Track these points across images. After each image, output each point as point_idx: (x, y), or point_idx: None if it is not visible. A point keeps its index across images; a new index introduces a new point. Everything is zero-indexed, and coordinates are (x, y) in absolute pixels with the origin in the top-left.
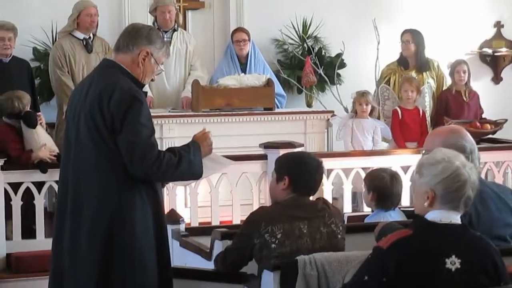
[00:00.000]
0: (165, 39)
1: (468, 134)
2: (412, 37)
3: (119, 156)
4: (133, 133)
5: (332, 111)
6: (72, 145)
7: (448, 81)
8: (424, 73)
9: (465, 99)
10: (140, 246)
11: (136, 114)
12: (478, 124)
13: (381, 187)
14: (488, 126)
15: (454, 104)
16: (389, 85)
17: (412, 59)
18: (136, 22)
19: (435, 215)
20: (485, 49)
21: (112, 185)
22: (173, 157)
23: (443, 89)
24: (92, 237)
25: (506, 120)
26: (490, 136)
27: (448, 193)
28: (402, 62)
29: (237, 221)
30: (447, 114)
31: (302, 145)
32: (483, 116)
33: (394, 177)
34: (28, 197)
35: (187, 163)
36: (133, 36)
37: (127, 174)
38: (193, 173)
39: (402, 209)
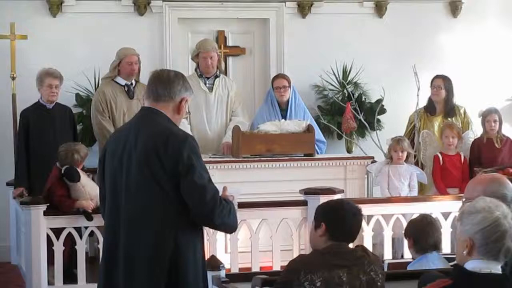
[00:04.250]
0: (207, 85)
1: (510, 183)
2: (444, 82)
3: (176, 202)
4: (201, 176)
5: (372, 157)
6: (121, 192)
7: (474, 127)
8: (450, 119)
9: (497, 145)
10: None
11: (198, 157)
12: (510, 170)
13: (417, 232)
14: None
15: (486, 152)
16: (414, 131)
17: (441, 105)
18: (161, 69)
19: (474, 265)
20: None
21: (169, 233)
22: (226, 204)
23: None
24: (148, 283)
25: None
26: None
27: (487, 243)
28: (430, 107)
29: (277, 267)
30: (480, 162)
31: (342, 191)
32: None
33: (429, 222)
34: (70, 243)
35: (234, 211)
36: (171, 84)
37: (182, 220)
38: (236, 222)
39: (444, 256)
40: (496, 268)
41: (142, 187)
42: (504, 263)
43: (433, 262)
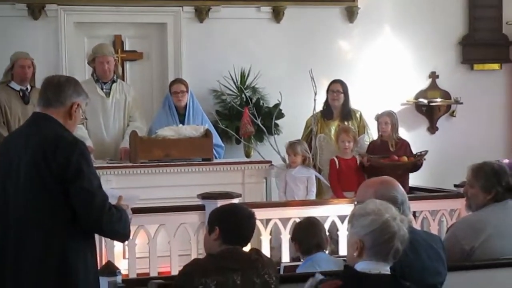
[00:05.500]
0: (104, 90)
1: (400, 186)
2: (342, 87)
3: (65, 209)
4: (90, 182)
5: (270, 161)
6: (10, 199)
7: (370, 131)
8: (346, 123)
9: (391, 149)
10: None
11: (88, 163)
12: (395, 157)
13: (300, 234)
14: (406, 158)
15: (379, 153)
16: (311, 135)
17: (338, 109)
18: (54, 75)
19: (364, 266)
20: (420, 100)
21: (57, 237)
22: (116, 211)
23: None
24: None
25: (426, 152)
26: (425, 186)
27: (376, 245)
28: (327, 111)
29: (175, 272)
30: None
31: (239, 196)
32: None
33: (311, 223)
34: None
35: (126, 219)
36: (61, 89)
37: (72, 228)
38: (127, 230)
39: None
40: (385, 269)
41: (31, 194)
42: (394, 263)
43: (319, 263)
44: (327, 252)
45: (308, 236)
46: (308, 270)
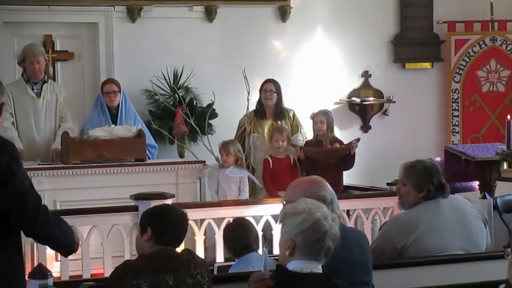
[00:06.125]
0: (35, 90)
1: (328, 185)
2: (275, 86)
3: None
4: (21, 183)
5: (204, 161)
6: None
7: (303, 130)
8: (279, 122)
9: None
10: None
11: (19, 164)
12: (328, 145)
13: (229, 236)
14: (338, 145)
15: None
16: (245, 134)
17: (271, 109)
18: None
19: (296, 265)
20: (353, 98)
21: None
22: (53, 215)
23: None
24: None
25: (358, 139)
26: (359, 185)
27: (308, 243)
28: (260, 111)
29: (108, 273)
30: None
31: (173, 196)
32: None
33: (240, 224)
34: None
35: (67, 228)
36: None
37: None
38: (73, 242)
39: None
40: (317, 267)
41: None
42: (326, 261)
43: (251, 263)
44: (260, 251)
45: (236, 238)
46: (241, 270)
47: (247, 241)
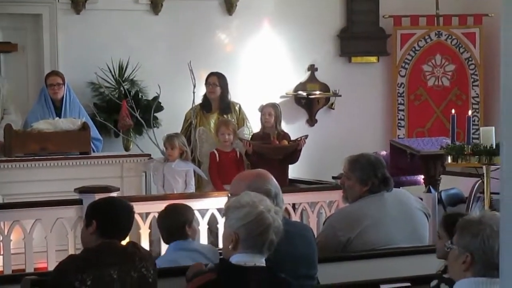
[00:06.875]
0: None
1: (273, 178)
2: (218, 80)
3: None
4: None
5: (149, 155)
6: None
7: (249, 124)
8: (225, 115)
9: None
10: None
11: None
12: (276, 141)
13: (162, 223)
14: (286, 142)
15: None
16: (191, 128)
17: (216, 102)
18: None
19: (239, 258)
20: (300, 92)
21: None
22: None
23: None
24: None
25: (307, 136)
26: (305, 178)
27: (251, 237)
28: (205, 104)
29: (52, 267)
30: None
31: (118, 189)
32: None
33: (168, 211)
34: None
35: None
36: None
37: None
38: None
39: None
40: (260, 261)
41: None
42: (270, 255)
43: (183, 250)
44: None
45: (169, 223)
46: (171, 256)
47: (180, 226)
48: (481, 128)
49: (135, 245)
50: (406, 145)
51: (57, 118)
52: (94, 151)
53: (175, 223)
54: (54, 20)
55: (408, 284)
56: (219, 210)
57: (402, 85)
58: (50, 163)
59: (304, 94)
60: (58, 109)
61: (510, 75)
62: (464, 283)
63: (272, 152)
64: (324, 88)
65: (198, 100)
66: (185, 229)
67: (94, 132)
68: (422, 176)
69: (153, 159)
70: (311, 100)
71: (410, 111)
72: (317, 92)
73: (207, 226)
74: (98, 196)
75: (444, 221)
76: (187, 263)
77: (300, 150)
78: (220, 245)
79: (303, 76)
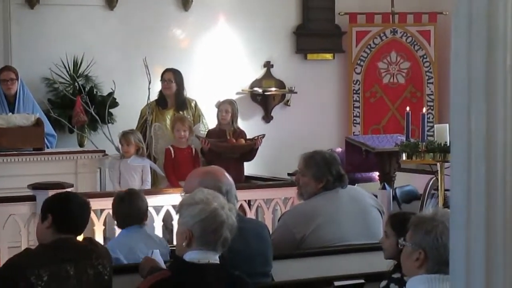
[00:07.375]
0: None
1: (226, 175)
2: (174, 76)
3: None
4: None
5: (104, 151)
6: None
7: (205, 120)
8: (181, 112)
9: (229, 138)
10: None
11: None
12: (233, 140)
13: (120, 208)
14: (243, 141)
15: None
16: (146, 124)
17: (172, 98)
18: None
19: (193, 256)
20: (255, 89)
21: None
22: None
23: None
24: None
25: (263, 135)
26: (260, 175)
27: (205, 234)
28: (161, 101)
29: None
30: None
31: (71, 186)
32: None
33: (130, 195)
34: None
35: None
36: None
37: None
38: None
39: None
40: (214, 258)
41: None
42: (224, 252)
43: (133, 235)
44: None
45: (122, 208)
46: (121, 242)
47: (143, 211)
48: (435, 125)
49: (92, 241)
50: (361, 142)
51: (11, 113)
52: (48, 147)
53: (136, 207)
54: (7, 15)
55: (362, 280)
56: (174, 206)
57: (358, 82)
58: (3, 159)
59: (260, 90)
60: (11, 104)
61: (459, 76)
62: (416, 280)
63: (229, 151)
64: (280, 84)
65: (154, 96)
66: (146, 214)
67: (48, 128)
68: (377, 173)
69: (108, 156)
70: (267, 96)
71: (366, 108)
72: (273, 89)
73: (162, 223)
74: (51, 193)
75: (391, 220)
76: (140, 248)
77: (257, 149)
78: (175, 242)
79: (259, 72)
